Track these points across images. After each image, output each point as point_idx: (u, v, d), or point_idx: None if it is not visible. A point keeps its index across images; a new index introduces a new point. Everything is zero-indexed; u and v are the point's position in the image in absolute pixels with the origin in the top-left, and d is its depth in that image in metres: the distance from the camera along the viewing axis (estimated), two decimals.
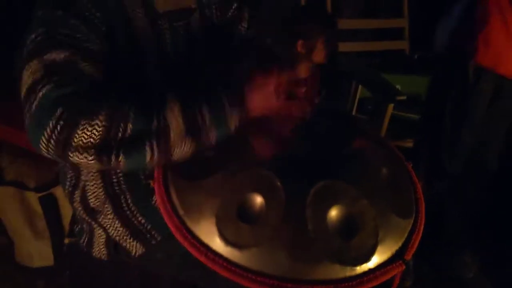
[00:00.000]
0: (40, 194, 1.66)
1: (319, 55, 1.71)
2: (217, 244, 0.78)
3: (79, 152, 0.74)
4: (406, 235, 0.86)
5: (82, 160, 0.75)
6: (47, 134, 0.72)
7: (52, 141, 0.72)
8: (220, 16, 1.13)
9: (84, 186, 1.04)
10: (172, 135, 0.77)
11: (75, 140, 0.73)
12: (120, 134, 0.74)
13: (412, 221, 0.88)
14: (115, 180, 1.02)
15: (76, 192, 1.06)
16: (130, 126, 0.75)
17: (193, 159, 0.85)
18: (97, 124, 0.73)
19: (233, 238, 0.78)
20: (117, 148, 0.74)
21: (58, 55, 0.78)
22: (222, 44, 1.12)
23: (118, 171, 1.01)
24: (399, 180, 0.95)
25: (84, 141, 0.73)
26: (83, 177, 1.04)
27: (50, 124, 0.72)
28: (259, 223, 0.79)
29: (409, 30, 2.48)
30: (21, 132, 1.66)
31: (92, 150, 0.74)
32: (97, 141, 0.73)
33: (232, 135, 0.84)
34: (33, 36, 0.81)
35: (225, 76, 0.96)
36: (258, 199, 0.80)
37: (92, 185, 1.03)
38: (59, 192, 1.67)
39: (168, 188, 0.87)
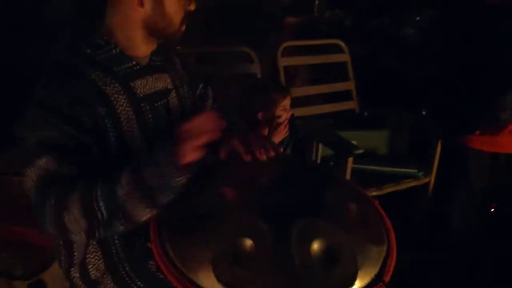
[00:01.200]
0: (28, 282, 1.66)
1: (278, 122, 1.84)
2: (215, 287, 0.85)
3: (74, 234, 0.95)
4: (381, 260, 0.96)
5: (82, 239, 1.01)
6: (47, 227, 0.95)
7: (51, 230, 0.95)
8: (193, 94, 1.27)
9: (84, 259, 1.12)
10: (130, 209, 0.93)
11: (67, 227, 0.93)
12: (98, 216, 0.92)
13: (385, 248, 0.99)
14: (114, 251, 1.10)
15: (75, 267, 1.13)
16: (102, 208, 0.92)
17: (185, 215, 0.95)
18: (74, 212, 0.92)
19: (230, 281, 0.85)
20: (98, 227, 0.94)
21: (43, 161, 0.95)
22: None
23: (117, 241, 1.10)
24: (368, 214, 1.07)
25: (72, 227, 0.93)
26: (78, 254, 1.12)
27: (46, 221, 0.94)
28: (252, 264, 0.88)
29: (356, 91, 2.71)
30: (3, 224, 1.70)
31: (82, 232, 0.95)
32: (80, 225, 0.93)
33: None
34: (26, 144, 0.98)
35: None
36: (248, 243, 0.89)
37: (93, 258, 1.11)
38: (47, 277, 1.68)
39: (165, 246, 0.94)
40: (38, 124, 0.96)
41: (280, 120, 1.75)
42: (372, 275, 0.92)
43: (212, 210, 0.98)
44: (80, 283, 1.13)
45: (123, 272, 1.11)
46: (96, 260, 1.11)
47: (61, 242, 1.14)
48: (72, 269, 1.14)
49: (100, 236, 0.96)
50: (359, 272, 0.90)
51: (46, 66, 1.02)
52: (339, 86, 2.71)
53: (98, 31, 1.08)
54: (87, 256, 1.11)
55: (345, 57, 2.69)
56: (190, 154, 0.89)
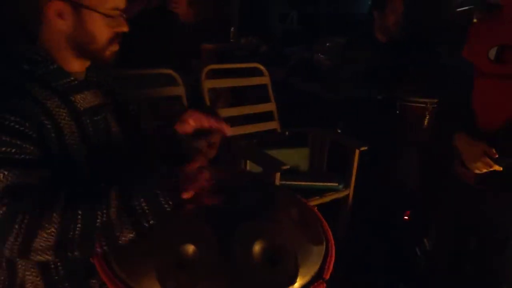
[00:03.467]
0: None
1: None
2: None
3: (39, 254, 0.90)
4: (321, 258, 1.03)
5: (43, 260, 0.91)
6: (9, 246, 0.89)
7: (14, 251, 0.90)
8: (133, 110, 1.29)
9: (23, 281, 1.07)
10: (116, 230, 0.93)
11: (34, 246, 0.89)
12: (71, 235, 0.90)
13: (324, 247, 1.06)
14: (53, 267, 1.07)
15: None
16: (79, 226, 0.90)
17: None
18: (51, 231, 0.89)
19: (174, 286, 0.87)
20: (71, 246, 0.90)
21: (0, 176, 0.91)
22: (134, 133, 1.26)
23: (57, 262, 1.07)
24: (308, 218, 1.15)
25: (43, 246, 0.89)
26: (20, 274, 1.07)
27: (11, 239, 0.88)
28: (196, 269, 0.90)
29: (277, 112, 2.83)
30: None
31: (51, 251, 0.90)
32: (53, 244, 0.89)
33: None
34: None
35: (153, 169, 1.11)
36: (191, 248, 0.92)
37: (31, 275, 1.06)
38: None
39: (108, 259, 0.94)
40: None
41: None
42: (313, 273, 0.98)
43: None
44: None
45: None
46: (34, 277, 1.07)
47: (2, 262, 1.08)
48: None
49: (69, 256, 0.92)
50: (301, 270, 0.95)
51: None
52: (261, 107, 2.81)
53: (34, 47, 1.07)
54: (27, 273, 1.07)
55: (265, 80, 2.81)
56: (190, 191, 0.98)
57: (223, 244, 0.93)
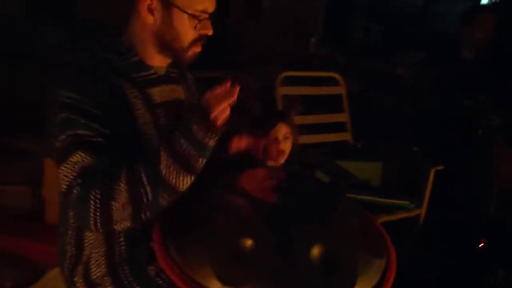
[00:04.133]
0: None
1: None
2: (215, 286, 0.87)
3: (120, 223, 0.96)
4: (381, 272, 0.98)
5: (125, 227, 0.97)
6: (92, 222, 0.94)
7: (98, 225, 0.95)
8: None
9: (88, 258, 1.12)
10: (175, 178, 0.95)
11: (114, 217, 0.94)
12: (142, 199, 0.94)
13: (384, 261, 1.01)
14: (117, 250, 1.12)
15: (79, 267, 1.13)
16: (147, 189, 0.94)
17: (188, 216, 0.96)
18: (122, 200, 0.93)
19: (229, 279, 0.87)
20: (144, 209, 0.95)
21: (78, 157, 0.97)
22: None
23: (122, 240, 1.12)
24: (370, 230, 1.10)
25: (120, 215, 0.94)
26: (86, 252, 1.13)
27: (92, 215, 0.94)
28: (251, 263, 0.89)
29: (350, 123, 2.76)
30: None
31: (128, 218, 0.95)
32: (129, 211, 0.94)
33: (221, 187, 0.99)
34: (58, 144, 1.00)
35: None
36: (249, 243, 0.91)
37: (97, 253, 1.12)
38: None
39: (168, 247, 0.96)
40: (69, 125, 0.98)
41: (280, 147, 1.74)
42: (371, 285, 0.94)
43: (215, 211, 1.00)
44: (80, 283, 1.13)
45: (122, 275, 1.11)
46: (100, 257, 1.11)
47: (72, 239, 1.14)
48: (78, 267, 1.13)
49: (145, 219, 0.97)
50: (358, 280, 0.91)
51: (67, 70, 1.05)
52: (334, 117, 2.75)
53: (119, 39, 1.12)
54: (92, 255, 1.12)
55: (341, 90, 2.76)
56: (221, 115, 0.95)
57: (280, 242, 0.91)
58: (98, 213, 0.93)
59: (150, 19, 1.08)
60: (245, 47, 2.96)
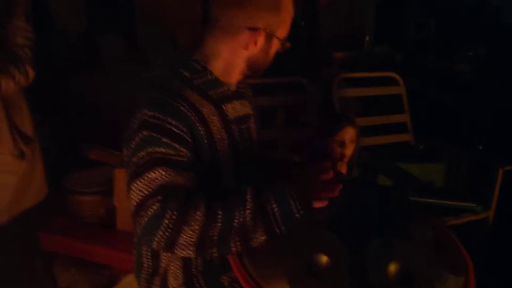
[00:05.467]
0: None
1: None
2: None
3: (183, 250, 0.96)
4: None
5: (185, 255, 0.98)
6: (157, 240, 0.95)
7: (162, 244, 0.96)
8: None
9: (166, 270, 1.17)
10: (250, 232, 0.96)
11: (179, 242, 0.95)
12: (211, 234, 0.94)
13: (463, 279, 0.98)
14: (194, 262, 1.16)
15: (156, 278, 1.18)
16: (219, 226, 0.95)
17: None
18: (195, 228, 0.94)
19: None
20: (210, 245, 0.95)
21: (157, 175, 0.98)
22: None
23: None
24: (446, 243, 1.07)
25: (186, 242, 0.95)
26: (163, 264, 1.17)
27: (160, 233, 0.95)
28: (327, 279, 0.90)
29: (411, 123, 2.70)
30: (73, 242, 1.78)
31: (193, 247, 0.95)
32: (196, 241, 0.95)
33: None
34: (134, 159, 1.01)
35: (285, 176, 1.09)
36: (323, 258, 0.92)
37: (174, 267, 1.16)
38: None
39: (242, 258, 0.98)
40: (149, 143, 1.01)
41: (345, 152, 1.73)
42: None
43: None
44: None
45: (197, 285, 1.15)
46: (177, 270, 1.16)
47: (148, 252, 1.19)
48: (155, 278, 1.18)
49: (209, 256, 0.98)
50: None
51: (148, 89, 1.09)
52: (394, 118, 2.70)
53: (194, 56, 1.16)
54: (170, 265, 1.16)
55: (400, 90, 2.70)
56: (322, 202, 0.99)
57: (354, 257, 0.91)
58: (167, 233, 0.94)
59: (252, 49, 1.14)
60: (304, 51, 2.97)
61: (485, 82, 2.86)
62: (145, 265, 1.20)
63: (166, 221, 0.94)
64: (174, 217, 0.94)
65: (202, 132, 1.08)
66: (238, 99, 1.22)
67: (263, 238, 0.97)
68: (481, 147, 2.75)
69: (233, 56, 1.15)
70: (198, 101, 1.10)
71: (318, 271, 0.91)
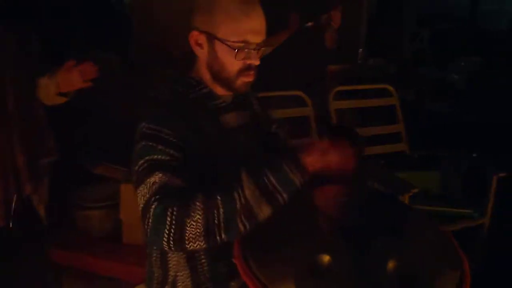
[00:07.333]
0: None
1: None
2: None
3: (192, 242, 0.98)
4: (455, 285, 0.99)
5: (197, 247, 1.00)
6: (166, 239, 0.98)
7: (171, 242, 0.98)
8: (266, 133, 1.38)
9: (174, 279, 1.21)
10: (254, 208, 1.00)
11: (187, 235, 0.98)
12: (216, 220, 0.98)
13: (458, 275, 1.02)
14: (200, 269, 1.20)
15: (166, 286, 1.23)
16: (221, 211, 0.99)
17: (266, 230, 1.03)
18: (198, 218, 0.98)
19: None
20: (218, 230, 0.99)
21: (155, 178, 1.04)
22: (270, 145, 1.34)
23: (203, 260, 1.19)
24: (443, 242, 1.12)
25: (193, 233, 0.98)
26: (171, 273, 1.22)
27: (166, 231, 0.98)
28: (330, 279, 0.94)
29: (406, 133, 2.76)
30: (80, 256, 1.82)
31: (201, 237, 0.98)
32: (202, 230, 0.98)
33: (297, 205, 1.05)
34: (136, 168, 1.08)
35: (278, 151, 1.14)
36: (327, 258, 0.96)
37: (182, 275, 1.21)
38: None
39: (248, 262, 1.02)
40: (147, 152, 1.08)
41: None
42: None
43: (293, 227, 1.06)
44: None
45: None
46: (185, 278, 1.20)
47: (157, 261, 1.23)
48: (165, 286, 1.23)
49: (220, 240, 1.00)
50: None
51: (148, 106, 1.16)
52: (389, 128, 2.77)
53: (189, 72, 1.22)
54: (178, 274, 1.21)
55: (394, 100, 2.78)
56: (312, 163, 1.03)
57: (357, 257, 0.96)
58: (172, 230, 0.97)
59: (200, 52, 1.17)
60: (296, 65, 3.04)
61: (478, 90, 2.93)
62: (155, 274, 1.24)
63: (169, 219, 0.97)
64: (175, 213, 0.97)
65: (197, 144, 1.13)
66: (235, 110, 1.25)
67: (268, 210, 1.00)
68: (475, 155, 2.81)
69: (200, 65, 1.20)
70: (194, 113, 1.16)
71: (323, 271, 0.95)
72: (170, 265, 1.22)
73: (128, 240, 1.86)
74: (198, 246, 1.00)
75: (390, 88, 2.80)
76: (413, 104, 3.68)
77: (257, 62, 1.17)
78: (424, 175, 2.55)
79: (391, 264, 0.95)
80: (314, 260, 0.96)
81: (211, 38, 1.14)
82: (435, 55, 5.09)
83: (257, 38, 1.15)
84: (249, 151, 1.24)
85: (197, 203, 0.99)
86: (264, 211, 1.01)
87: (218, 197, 0.99)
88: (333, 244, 0.99)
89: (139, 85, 2.39)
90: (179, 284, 1.21)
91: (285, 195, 1.02)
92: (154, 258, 1.24)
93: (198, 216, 0.98)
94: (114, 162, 2.00)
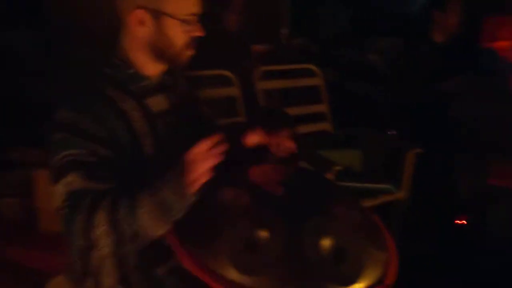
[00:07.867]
0: None
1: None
2: (233, 274, 0.92)
3: (104, 249, 0.99)
4: (384, 264, 1.04)
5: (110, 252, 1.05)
6: (77, 240, 0.99)
7: (80, 243, 1.00)
8: (194, 114, 1.34)
9: (98, 269, 1.15)
10: (148, 230, 1.00)
11: (96, 243, 0.98)
12: (122, 230, 0.98)
13: (387, 254, 1.07)
14: (125, 258, 1.13)
15: (88, 278, 1.16)
16: (124, 227, 0.98)
17: (201, 208, 1.03)
18: (105, 228, 0.98)
19: (245, 268, 0.93)
20: (123, 242, 0.99)
21: (70, 179, 1.00)
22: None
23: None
24: (370, 224, 1.17)
25: (103, 243, 0.98)
26: (95, 262, 1.15)
27: (78, 237, 0.99)
28: (266, 253, 0.95)
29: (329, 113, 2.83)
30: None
31: (112, 246, 0.99)
32: (111, 240, 0.98)
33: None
34: (52, 162, 1.03)
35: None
36: (263, 233, 0.97)
37: (107, 265, 1.14)
38: None
39: (184, 240, 1.00)
40: (64, 146, 1.02)
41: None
42: (376, 277, 1.00)
43: (228, 205, 1.07)
44: None
45: (133, 282, 1.14)
46: (110, 268, 1.14)
47: (78, 250, 1.16)
48: (87, 277, 1.16)
49: (126, 249, 1.03)
50: (364, 272, 0.98)
51: (69, 89, 1.08)
52: (313, 108, 2.82)
53: (114, 52, 1.15)
54: (103, 262, 1.14)
55: (318, 81, 2.82)
56: (199, 179, 0.97)
57: (292, 234, 0.98)
58: (82, 237, 0.98)
59: (142, 31, 1.11)
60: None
61: (396, 72, 3.05)
62: (76, 264, 1.17)
63: (78, 225, 0.98)
64: (80, 224, 0.97)
65: (123, 128, 1.08)
66: (163, 92, 1.21)
67: (163, 228, 1.00)
68: (389, 132, 2.94)
69: (135, 43, 1.14)
70: (118, 97, 1.10)
71: (258, 247, 0.96)
72: (94, 255, 1.14)
73: (45, 227, 1.75)
74: (112, 252, 1.03)
75: (314, 68, 2.84)
76: (335, 84, 3.78)
77: (202, 34, 1.15)
78: (345, 153, 2.63)
79: (324, 242, 0.98)
80: (250, 236, 0.97)
81: (158, 14, 1.09)
82: (354, 35, 5.24)
83: (200, 9, 1.14)
84: (178, 136, 1.20)
85: (103, 213, 0.97)
86: (157, 229, 1.00)
87: (121, 212, 0.97)
88: (269, 221, 1.00)
89: (56, 66, 2.25)
90: (103, 274, 1.14)
91: (169, 220, 1.00)
92: (74, 248, 1.17)
93: (103, 227, 0.97)
94: (28, 144, 1.87)
